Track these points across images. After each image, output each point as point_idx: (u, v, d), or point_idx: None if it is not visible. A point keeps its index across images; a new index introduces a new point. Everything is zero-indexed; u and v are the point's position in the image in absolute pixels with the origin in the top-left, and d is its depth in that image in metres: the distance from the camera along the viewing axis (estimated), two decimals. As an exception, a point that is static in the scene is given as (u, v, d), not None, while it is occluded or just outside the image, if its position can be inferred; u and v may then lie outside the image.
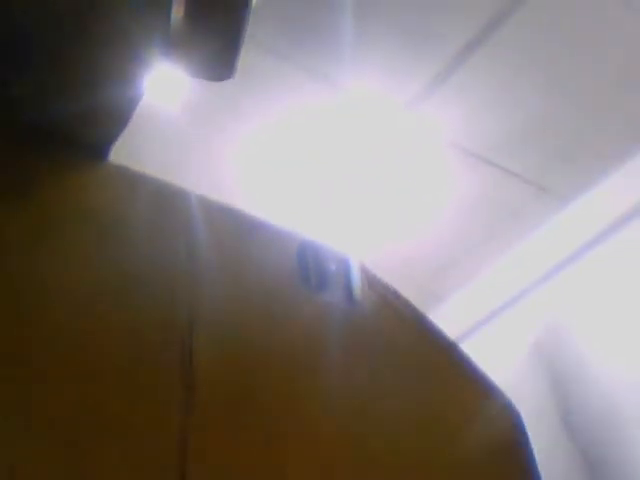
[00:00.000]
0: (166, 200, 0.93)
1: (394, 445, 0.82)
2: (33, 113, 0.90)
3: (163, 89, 1.20)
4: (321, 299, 0.85)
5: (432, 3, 1.90)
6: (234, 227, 0.94)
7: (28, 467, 0.67)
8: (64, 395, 0.72)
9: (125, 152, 0.95)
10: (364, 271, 0.86)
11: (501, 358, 2.42)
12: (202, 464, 0.72)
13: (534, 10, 1.89)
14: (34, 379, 0.72)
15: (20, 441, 0.68)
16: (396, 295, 0.91)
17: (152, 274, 0.88)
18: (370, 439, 0.81)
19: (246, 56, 0.91)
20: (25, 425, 0.69)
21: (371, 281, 0.89)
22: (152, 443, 0.73)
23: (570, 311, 2.38)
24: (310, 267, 0.86)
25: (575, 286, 2.40)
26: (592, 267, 2.37)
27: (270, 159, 2.16)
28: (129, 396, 0.75)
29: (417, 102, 2.13)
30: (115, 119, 0.89)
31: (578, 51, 1.98)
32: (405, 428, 0.84)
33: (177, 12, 0.86)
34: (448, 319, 2.25)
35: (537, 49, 1.98)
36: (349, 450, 0.79)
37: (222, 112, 1.94)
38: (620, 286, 2.24)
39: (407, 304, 0.91)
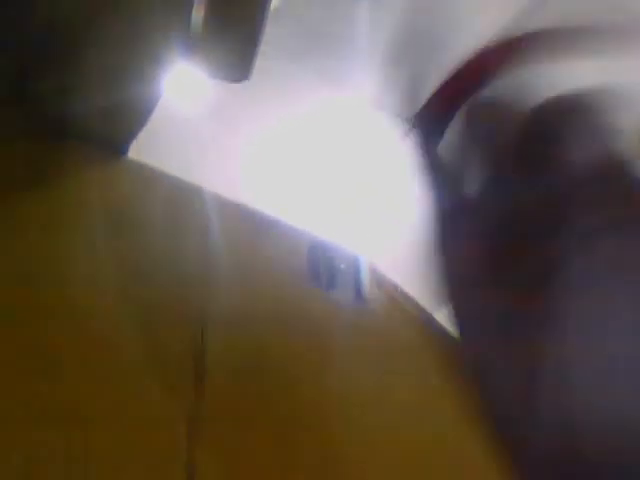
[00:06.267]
0: (181, 197, 0.95)
1: (396, 437, 0.83)
2: (53, 109, 0.92)
3: (181, 89, 1.22)
4: (330, 297, 0.87)
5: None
6: (247, 225, 0.96)
7: (43, 454, 0.68)
8: (78, 384, 0.74)
9: (143, 150, 0.97)
10: (373, 271, 0.88)
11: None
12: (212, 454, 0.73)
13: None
14: (49, 367, 0.74)
15: (36, 432, 0.69)
16: (404, 295, 0.92)
17: (165, 271, 0.90)
18: (376, 433, 0.82)
19: (263, 58, 0.93)
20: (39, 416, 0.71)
21: (380, 281, 0.90)
22: (162, 434, 0.74)
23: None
24: (320, 265, 0.88)
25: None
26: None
27: (284, 160, 2.17)
28: (140, 388, 0.77)
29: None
30: (134, 117, 0.91)
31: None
32: (408, 421, 0.85)
33: (197, 14, 0.88)
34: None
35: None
36: (356, 446, 0.81)
37: (238, 113, 1.96)
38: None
39: (415, 304, 0.93)
